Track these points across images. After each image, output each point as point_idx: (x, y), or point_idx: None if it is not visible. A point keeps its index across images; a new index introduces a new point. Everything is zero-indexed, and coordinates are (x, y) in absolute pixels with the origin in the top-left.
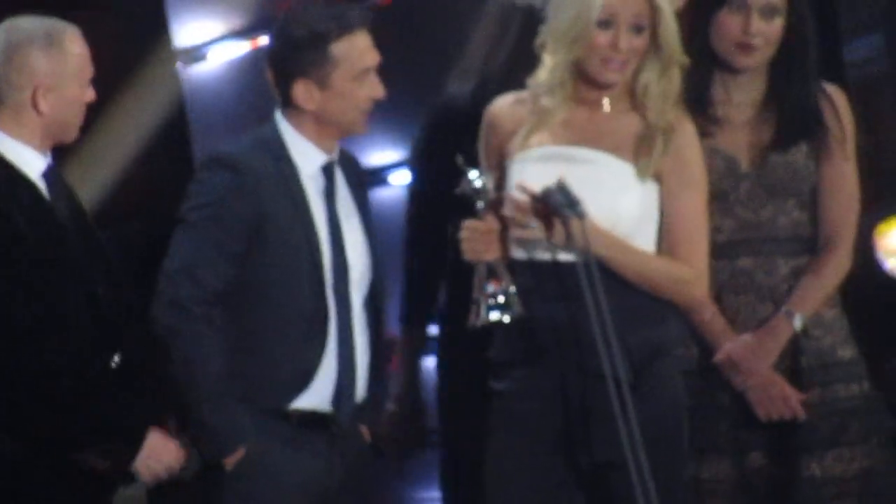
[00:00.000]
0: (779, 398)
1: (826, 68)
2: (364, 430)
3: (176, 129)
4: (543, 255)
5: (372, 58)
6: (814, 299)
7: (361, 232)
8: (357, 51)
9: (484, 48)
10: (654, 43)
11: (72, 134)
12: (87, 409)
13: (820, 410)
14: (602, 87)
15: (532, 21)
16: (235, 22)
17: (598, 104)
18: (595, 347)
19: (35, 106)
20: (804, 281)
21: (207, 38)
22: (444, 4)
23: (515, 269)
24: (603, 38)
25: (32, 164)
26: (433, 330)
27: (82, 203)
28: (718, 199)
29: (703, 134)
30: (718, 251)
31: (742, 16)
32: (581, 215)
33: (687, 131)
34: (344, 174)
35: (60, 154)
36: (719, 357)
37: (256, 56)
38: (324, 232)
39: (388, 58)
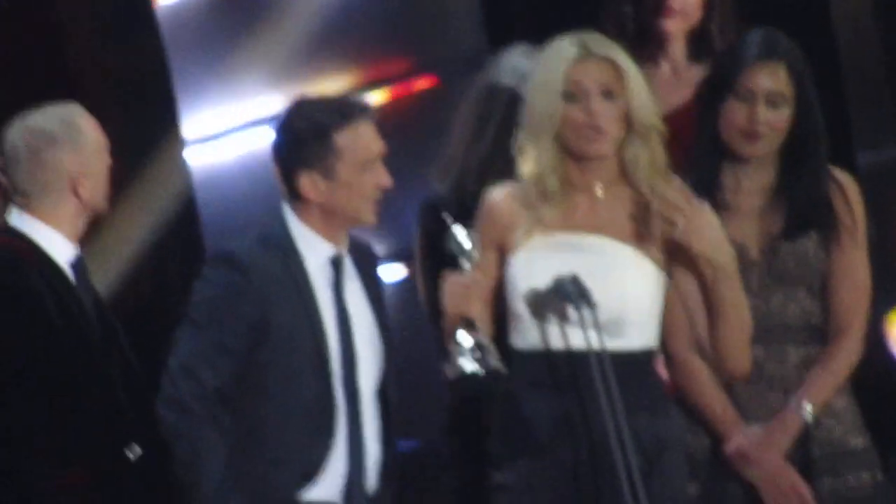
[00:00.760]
0: (790, 490)
1: (836, 154)
2: None
3: (184, 222)
4: (557, 344)
5: (377, 146)
6: (825, 389)
7: (372, 321)
8: (361, 140)
9: (467, 134)
10: (630, 112)
11: (106, 203)
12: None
13: (832, 500)
14: (591, 159)
15: (515, 103)
16: (245, 113)
17: (594, 189)
18: (607, 439)
19: (76, 195)
20: (815, 371)
21: (217, 130)
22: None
23: (527, 358)
24: (574, 111)
25: (63, 251)
26: None
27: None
28: None
29: None
30: None
31: (748, 104)
32: (593, 306)
33: None
34: (355, 263)
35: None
36: (729, 449)
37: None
38: (332, 324)
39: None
